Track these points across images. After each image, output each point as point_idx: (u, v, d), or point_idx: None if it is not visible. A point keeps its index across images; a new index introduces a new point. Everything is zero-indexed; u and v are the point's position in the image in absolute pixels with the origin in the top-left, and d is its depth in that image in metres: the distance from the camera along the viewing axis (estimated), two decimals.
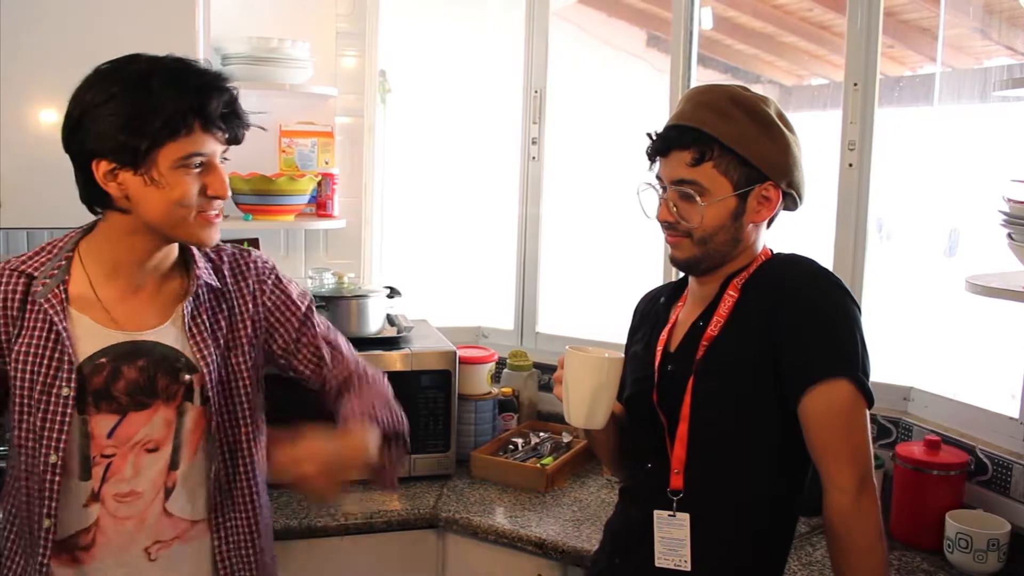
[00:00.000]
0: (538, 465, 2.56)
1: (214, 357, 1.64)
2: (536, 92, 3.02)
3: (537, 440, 2.74)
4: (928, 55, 2.63)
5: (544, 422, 2.93)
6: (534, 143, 3.04)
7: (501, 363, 2.92)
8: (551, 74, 3.02)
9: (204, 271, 1.67)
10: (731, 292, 1.61)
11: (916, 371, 2.47)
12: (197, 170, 1.53)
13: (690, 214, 1.59)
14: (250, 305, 1.72)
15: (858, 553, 1.49)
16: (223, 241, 1.75)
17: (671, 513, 1.59)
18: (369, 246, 3.05)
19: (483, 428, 2.73)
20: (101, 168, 1.49)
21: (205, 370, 1.61)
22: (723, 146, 1.56)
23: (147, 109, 1.46)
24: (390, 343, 2.58)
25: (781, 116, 1.62)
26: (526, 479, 2.53)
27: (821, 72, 3.27)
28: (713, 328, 1.60)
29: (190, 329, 1.62)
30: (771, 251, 1.68)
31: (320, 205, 2.84)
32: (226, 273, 1.72)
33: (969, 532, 2.02)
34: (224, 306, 1.69)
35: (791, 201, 1.65)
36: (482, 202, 3.26)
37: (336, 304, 2.56)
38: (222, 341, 1.67)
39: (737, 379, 1.57)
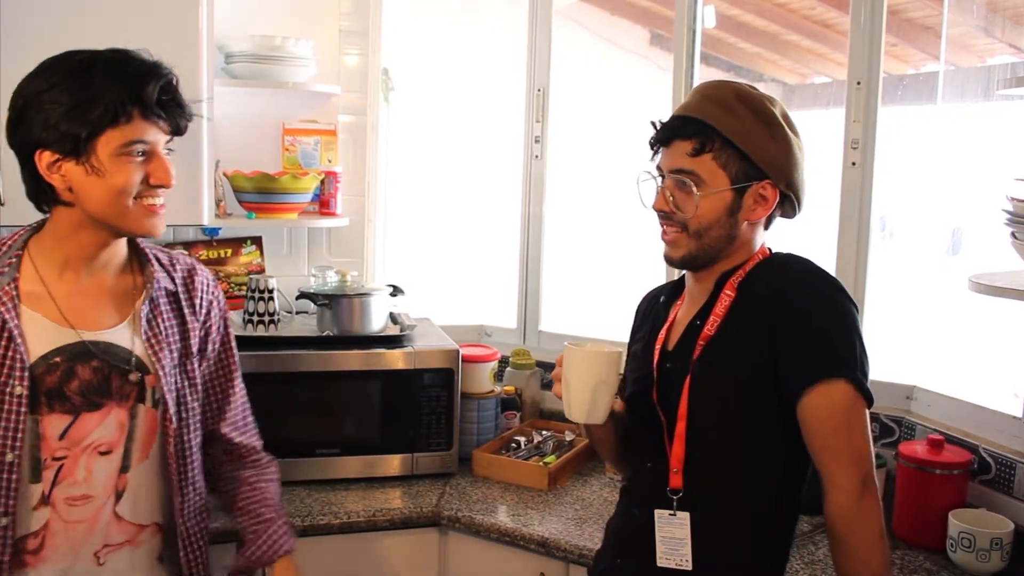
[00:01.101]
0: (540, 464, 2.56)
1: (170, 360, 1.65)
2: (539, 90, 3.02)
3: (540, 439, 2.74)
4: (931, 53, 2.63)
5: (547, 420, 2.93)
6: (537, 141, 3.04)
7: (504, 361, 2.92)
8: (554, 72, 3.01)
9: (160, 274, 1.69)
10: (728, 291, 1.61)
11: (919, 370, 2.46)
12: (139, 158, 1.54)
13: (686, 204, 1.60)
14: (200, 317, 1.75)
15: (860, 553, 1.49)
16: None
17: (671, 512, 1.59)
18: (372, 244, 3.05)
19: (486, 426, 2.73)
20: (44, 159, 1.50)
21: (161, 373, 1.62)
22: (724, 139, 1.56)
23: (87, 98, 1.47)
24: (393, 341, 2.59)
25: (786, 117, 1.62)
26: (529, 477, 2.53)
27: (824, 70, 3.27)
28: (710, 327, 1.59)
29: (147, 331, 1.63)
30: (769, 250, 1.67)
31: (323, 203, 2.84)
32: (178, 280, 1.73)
33: (972, 531, 2.02)
34: (178, 311, 1.71)
35: (789, 206, 1.65)
36: (485, 200, 3.26)
37: (339, 302, 2.56)
38: (177, 345, 1.68)
39: (734, 379, 1.57)
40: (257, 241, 2.86)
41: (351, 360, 2.50)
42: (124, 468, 1.60)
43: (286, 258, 2.93)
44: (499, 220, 3.20)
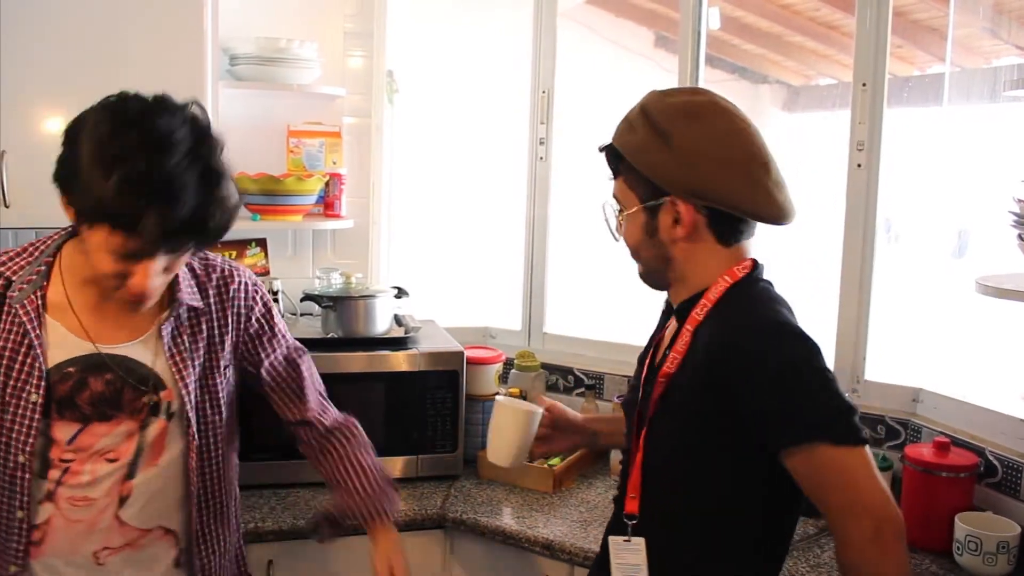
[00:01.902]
0: (545, 466, 2.56)
1: (193, 377, 1.64)
2: (544, 92, 3.02)
3: None
4: (937, 55, 2.63)
5: None
6: (541, 143, 3.03)
7: (508, 363, 2.91)
8: (559, 74, 3.01)
9: (187, 291, 1.65)
10: (688, 327, 1.49)
11: (925, 372, 2.46)
12: (122, 262, 1.44)
13: (618, 228, 1.60)
14: (232, 328, 1.72)
15: None
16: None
17: (626, 538, 1.53)
18: (376, 246, 3.05)
19: None
20: (61, 191, 1.46)
21: (183, 389, 1.61)
22: (628, 160, 1.52)
23: (91, 181, 1.36)
24: (397, 343, 2.58)
25: (698, 114, 1.48)
26: (533, 480, 2.52)
27: (829, 72, 3.27)
28: (670, 365, 1.49)
29: (169, 349, 1.61)
30: (733, 277, 1.50)
31: (328, 205, 2.84)
32: (211, 293, 1.70)
33: (978, 534, 2.01)
34: (204, 326, 1.68)
35: (733, 220, 1.49)
36: (489, 202, 3.25)
37: (343, 304, 2.56)
38: (200, 361, 1.66)
39: (688, 428, 1.47)
40: (262, 243, 2.86)
41: (355, 362, 2.50)
42: (130, 475, 1.60)
43: (291, 260, 2.93)
44: (503, 222, 3.20)
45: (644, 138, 1.48)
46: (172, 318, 1.63)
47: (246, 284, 1.76)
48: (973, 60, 2.56)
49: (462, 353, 2.57)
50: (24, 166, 2.26)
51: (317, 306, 2.61)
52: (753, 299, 1.49)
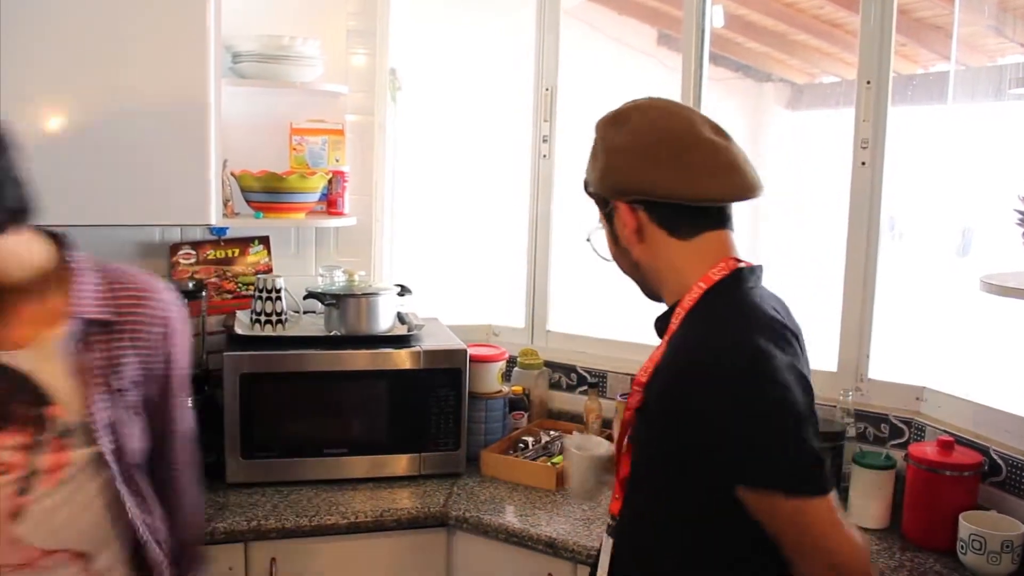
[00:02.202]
0: (548, 464, 2.56)
1: (95, 392, 1.52)
2: (547, 90, 3.01)
3: (547, 439, 2.74)
4: (942, 53, 2.62)
5: (554, 421, 2.92)
6: (545, 141, 3.03)
7: (512, 361, 2.91)
8: (562, 72, 3.01)
9: (90, 302, 1.53)
10: (666, 336, 1.45)
11: (929, 371, 2.45)
12: None
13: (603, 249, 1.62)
14: (139, 345, 1.58)
15: None
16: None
17: (608, 535, 1.53)
18: (379, 244, 3.05)
19: (493, 427, 2.72)
20: None
21: (82, 405, 1.50)
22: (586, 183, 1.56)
23: None
24: (400, 341, 2.58)
25: (619, 119, 1.49)
26: (536, 478, 2.52)
27: (832, 70, 3.26)
28: (643, 374, 1.43)
29: (66, 360, 1.49)
30: (708, 282, 1.42)
31: (331, 203, 2.84)
32: (118, 306, 1.56)
33: (983, 534, 2.01)
34: (110, 340, 1.55)
35: (670, 209, 1.44)
36: (493, 200, 3.25)
37: (346, 302, 2.56)
38: (102, 377, 1.54)
39: (665, 436, 1.39)
40: (264, 241, 2.86)
41: (358, 360, 2.50)
42: (23, 491, 1.49)
43: (293, 258, 2.93)
44: (507, 219, 3.20)
45: (589, 159, 1.54)
46: (71, 330, 1.50)
47: (159, 309, 1.59)
48: (978, 58, 2.55)
49: (465, 351, 2.57)
50: (25, 164, 2.25)
51: (320, 304, 2.61)
52: (720, 315, 1.39)
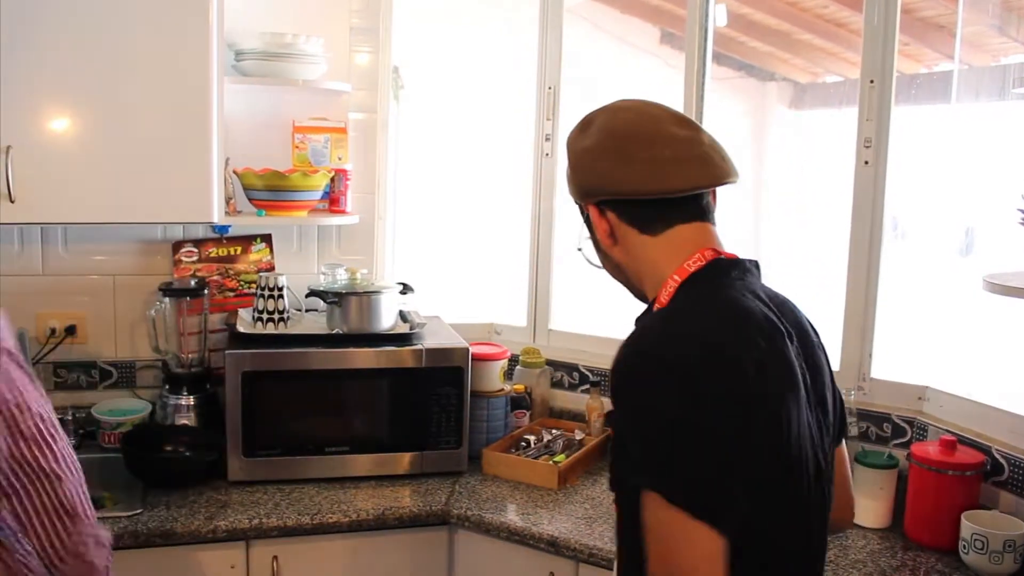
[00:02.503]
0: (550, 462, 2.56)
1: None
2: (550, 88, 3.01)
3: (549, 437, 2.74)
4: (945, 52, 2.62)
5: (556, 419, 2.92)
6: (547, 139, 3.03)
7: (514, 360, 2.91)
8: (565, 71, 3.01)
9: None
10: None
11: (932, 370, 2.45)
12: None
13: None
14: None
15: None
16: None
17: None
18: (382, 242, 3.05)
19: (495, 425, 2.72)
20: None
21: None
22: None
23: None
24: (403, 339, 2.58)
25: (583, 125, 1.48)
26: (538, 476, 2.52)
27: (836, 69, 3.26)
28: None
29: None
30: (683, 275, 1.38)
31: (333, 201, 2.84)
32: None
33: (985, 533, 2.00)
34: None
35: (636, 203, 1.42)
36: (495, 198, 3.25)
37: (348, 300, 2.56)
38: None
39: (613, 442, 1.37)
40: (267, 239, 2.86)
41: (361, 358, 2.50)
42: None
43: (296, 256, 2.93)
44: (509, 218, 3.20)
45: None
46: None
47: None
48: (981, 58, 2.55)
49: (467, 349, 2.57)
50: (29, 161, 2.26)
51: (322, 302, 2.61)
52: (679, 309, 1.36)
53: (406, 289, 2.70)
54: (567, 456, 2.60)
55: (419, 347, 2.53)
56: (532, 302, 3.12)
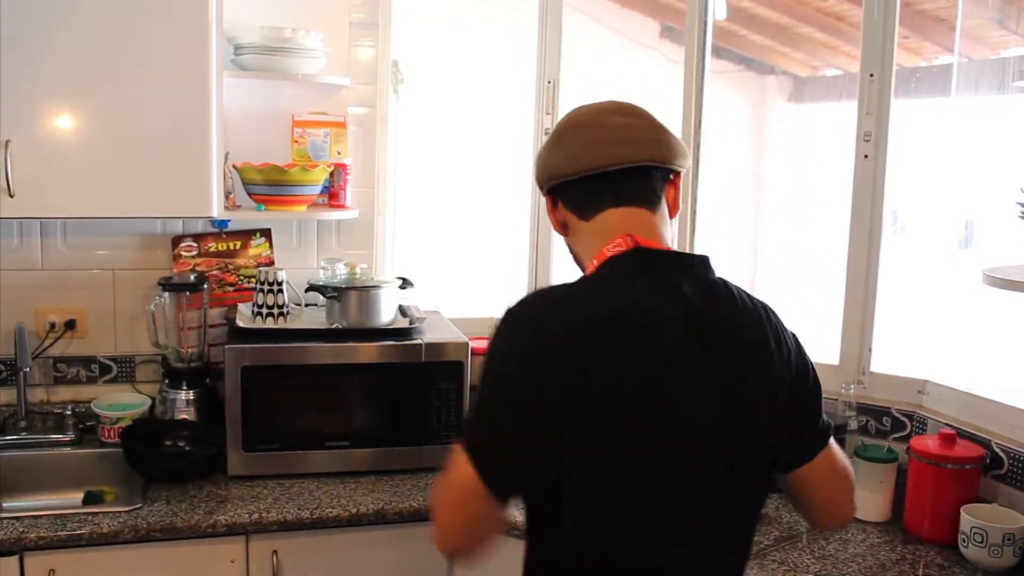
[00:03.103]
0: None
1: None
2: (549, 82, 3.01)
3: None
4: (945, 46, 2.61)
5: None
6: (547, 133, 3.02)
7: None
8: (564, 65, 3.01)
9: None
10: None
11: (931, 364, 2.45)
12: None
13: None
14: None
15: None
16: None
17: None
18: (381, 237, 3.04)
19: None
20: None
21: None
22: None
23: None
24: (402, 334, 2.58)
25: (554, 131, 1.52)
26: None
27: (836, 63, 3.25)
28: None
29: None
30: (601, 259, 1.40)
31: (333, 195, 2.84)
32: None
33: (984, 527, 2.01)
34: None
35: (571, 187, 1.44)
36: (495, 193, 3.25)
37: (348, 295, 2.56)
38: None
39: None
40: (266, 233, 2.86)
41: (360, 353, 2.50)
42: None
43: (295, 250, 2.92)
44: (509, 212, 3.19)
45: None
46: None
47: None
48: (981, 51, 2.55)
49: (467, 344, 2.57)
50: (28, 155, 2.26)
51: (322, 296, 2.60)
52: (563, 285, 1.41)
53: (406, 284, 2.70)
54: None
55: (419, 342, 2.53)
56: None
